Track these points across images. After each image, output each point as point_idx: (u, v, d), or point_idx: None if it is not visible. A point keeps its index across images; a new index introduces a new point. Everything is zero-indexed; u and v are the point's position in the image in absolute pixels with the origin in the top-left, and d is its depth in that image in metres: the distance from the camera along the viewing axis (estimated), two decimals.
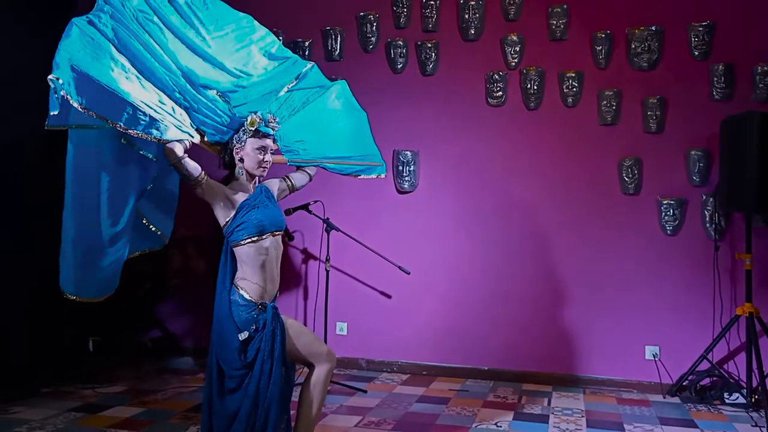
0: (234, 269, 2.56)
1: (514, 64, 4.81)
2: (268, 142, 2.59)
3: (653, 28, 4.57)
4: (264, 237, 2.54)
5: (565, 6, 4.70)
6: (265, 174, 2.64)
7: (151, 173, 2.77)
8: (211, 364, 2.56)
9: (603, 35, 4.64)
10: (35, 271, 4.25)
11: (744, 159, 3.92)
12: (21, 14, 4.26)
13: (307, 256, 5.10)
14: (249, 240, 2.51)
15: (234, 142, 2.59)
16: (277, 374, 2.51)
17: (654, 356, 4.45)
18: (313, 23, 5.17)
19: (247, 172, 2.60)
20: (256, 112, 2.58)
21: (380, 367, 4.92)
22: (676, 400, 4.26)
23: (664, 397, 4.30)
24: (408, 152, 4.93)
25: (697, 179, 4.48)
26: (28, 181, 4.25)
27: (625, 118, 4.62)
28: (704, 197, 4.46)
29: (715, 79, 4.46)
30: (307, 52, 5.18)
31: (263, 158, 2.58)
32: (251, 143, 2.56)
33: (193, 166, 2.49)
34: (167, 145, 2.43)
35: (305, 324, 5.06)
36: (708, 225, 4.44)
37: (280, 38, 5.20)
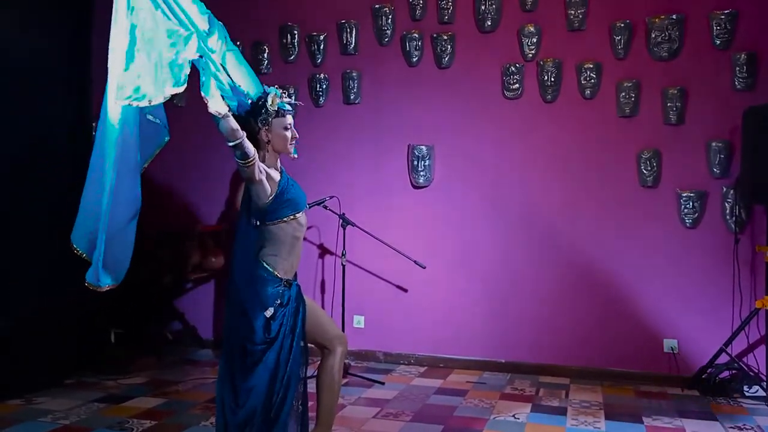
0: (260, 246, 2.57)
1: (531, 55, 4.77)
2: (290, 117, 2.59)
3: (674, 16, 4.50)
4: (299, 214, 2.59)
5: None
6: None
7: (158, 141, 2.82)
8: (229, 339, 2.55)
9: (622, 25, 4.58)
10: (58, 262, 4.33)
11: (767, 151, 3.86)
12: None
13: (324, 251, 5.12)
14: (291, 216, 2.56)
15: (258, 125, 2.54)
16: (297, 351, 2.53)
17: (672, 349, 4.43)
18: (328, 17, 5.17)
19: (274, 151, 2.59)
20: (271, 93, 2.55)
21: (398, 360, 4.95)
22: (695, 392, 4.23)
23: (683, 390, 4.27)
24: (423, 147, 4.92)
25: (718, 171, 4.42)
26: (51, 170, 4.31)
27: (644, 110, 4.56)
28: (725, 189, 4.40)
29: (738, 68, 4.38)
30: (322, 46, 5.18)
31: (290, 135, 2.58)
32: (278, 123, 2.55)
33: (248, 144, 2.41)
34: (228, 121, 2.34)
35: None
36: (728, 217, 4.39)
37: (296, 32, 5.26)
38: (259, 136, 2.55)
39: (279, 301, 2.50)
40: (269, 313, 2.48)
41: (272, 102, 2.53)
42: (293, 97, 2.72)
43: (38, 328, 4.15)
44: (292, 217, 2.56)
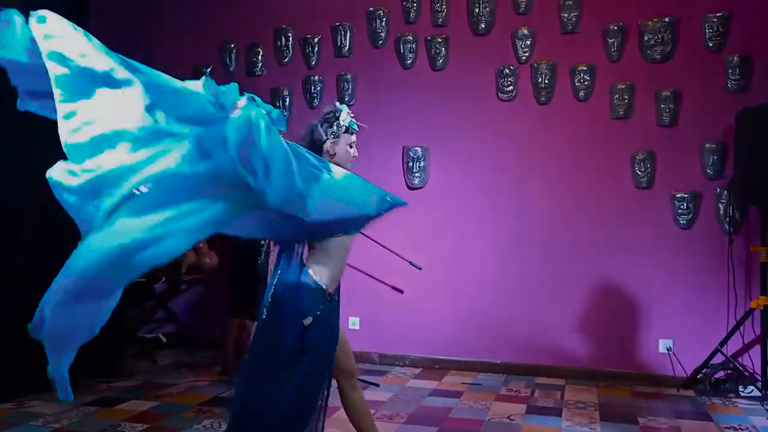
0: (308, 252, 2.55)
1: (525, 57, 4.79)
2: (354, 136, 2.63)
3: (667, 19, 4.53)
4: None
5: None
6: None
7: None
8: (256, 347, 2.48)
9: (615, 27, 4.61)
10: (49, 264, 4.30)
11: (760, 151, 3.89)
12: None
13: None
14: None
15: (327, 136, 2.56)
16: (325, 370, 2.51)
17: (668, 349, 4.43)
18: (322, 19, 5.18)
19: (334, 164, 2.54)
20: (344, 109, 2.58)
21: (393, 361, 4.93)
22: (691, 393, 4.23)
23: (678, 391, 4.27)
24: (418, 148, 4.92)
25: (712, 172, 4.44)
26: (45, 171, 4.28)
27: (638, 112, 4.59)
28: (718, 190, 4.42)
29: (730, 70, 4.41)
30: (316, 48, 5.19)
31: (354, 153, 2.62)
32: (345, 139, 2.58)
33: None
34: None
35: None
36: (722, 218, 4.41)
37: (290, 35, 5.26)
38: (325, 146, 2.56)
39: (318, 313, 2.44)
40: (308, 321, 2.41)
41: (345, 118, 2.56)
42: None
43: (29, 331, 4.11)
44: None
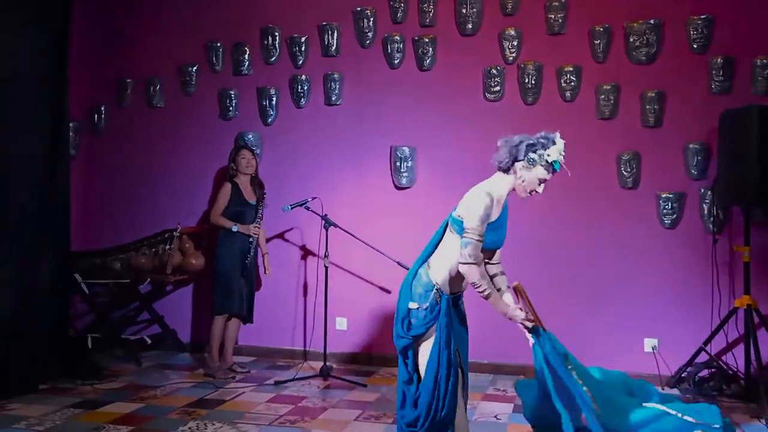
0: (438, 253, 2.60)
1: (512, 58, 4.80)
2: (550, 177, 2.53)
3: (652, 21, 4.56)
4: (489, 252, 2.59)
5: (563, 0, 4.70)
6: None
7: None
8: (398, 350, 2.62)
9: (601, 29, 4.64)
10: (32, 266, 4.25)
11: (743, 153, 3.93)
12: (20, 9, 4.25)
13: (306, 252, 5.09)
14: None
15: (524, 158, 2.47)
16: (455, 368, 2.51)
17: (653, 349, 4.46)
18: (309, 19, 5.15)
19: (512, 185, 2.54)
20: (559, 145, 2.49)
21: (380, 362, 4.92)
22: (675, 391, 4.27)
23: (663, 389, 4.29)
24: (406, 148, 4.92)
25: (696, 173, 4.48)
26: (28, 174, 4.24)
27: (623, 113, 4.62)
28: (702, 191, 4.46)
29: (714, 72, 4.46)
30: (303, 48, 5.17)
31: (537, 191, 2.53)
32: (540, 172, 2.49)
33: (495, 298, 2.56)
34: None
35: (305, 319, 5.07)
36: (706, 218, 4.45)
37: (277, 34, 5.24)
38: (516, 165, 2.49)
39: (426, 305, 2.52)
40: (413, 305, 2.52)
41: (554, 154, 2.46)
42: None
43: (11, 333, 4.06)
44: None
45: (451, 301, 2.60)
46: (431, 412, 2.51)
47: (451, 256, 2.54)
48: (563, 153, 2.47)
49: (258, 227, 4.56)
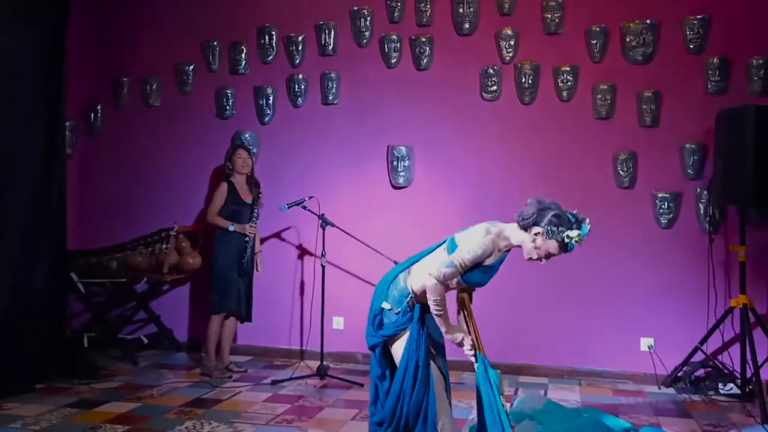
0: (423, 264, 2.67)
1: (508, 58, 4.81)
2: (559, 254, 2.52)
3: (648, 21, 4.57)
4: (465, 285, 2.64)
5: (560, 0, 4.71)
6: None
7: None
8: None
9: (598, 29, 4.65)
10: (28, 265, 4.23)
11: (739, 152, 3.93)
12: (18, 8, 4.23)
13: (303, 251, 5.09)
14: (461, 283, 2.59)
15: (543, 227, 2.46)
16: (423, 377, 2.55)
17: (649, 348, 4.47)
18: (306, 18, 5.15)
19: (522, 244, 2.55)
20: (585, 230, 2.48)
21: None
22: (671, 390, 4.28)
23: (659, 388, 4.32)
24: (403, 147, 4.92)
25: (692, 172, 4.49)
26: (24, 172, 4.22)
27: (619, 112, 4.63)
28: (699, 190, 4.48)
29: (710, 72, 4.47)
30: (300, 47, 5.16)
31: (542, 260, 2.53)
32: (553, 245, 2.48)
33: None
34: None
35: (301, 318, 5.07)
36: (702, 218, 4.46)
37: (274, 33, 5.23)
38: (534, 229, 2.49)
39: (398, 311, 2.61)
40: (386, 305, 2.63)
41: (575, 235, 2.44)
42: None
43: (7, 332, 4.04)
44: (462, 283, 2.59)
45: (424, 310, 2.65)
46: (395, 416, 2.58)
47: None
48: (583, 238, 2.46)
49: (254, 226, 4.56)
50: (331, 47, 5.12)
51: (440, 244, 2.70)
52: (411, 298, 2.63)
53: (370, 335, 2.70)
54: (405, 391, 2.56)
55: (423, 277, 2.59)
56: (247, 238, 4.53)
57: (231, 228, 4.48)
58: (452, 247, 2.59)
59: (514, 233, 2.56)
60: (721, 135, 4.15)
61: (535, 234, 2.49)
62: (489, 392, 2.50)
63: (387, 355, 2.72)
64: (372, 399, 2.77)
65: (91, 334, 4.93)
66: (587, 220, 2.50)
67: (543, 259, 2.52)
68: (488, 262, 2.55)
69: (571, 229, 2.45)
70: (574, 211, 2.51)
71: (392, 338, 2.65)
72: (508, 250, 2.63)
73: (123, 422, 3.55)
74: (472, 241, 2.50)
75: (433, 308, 2.52)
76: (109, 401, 3.92)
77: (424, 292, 2.60)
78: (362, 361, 4.94)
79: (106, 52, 5.49)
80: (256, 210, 4.59)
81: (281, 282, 5.09)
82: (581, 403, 3.99)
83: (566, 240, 2.45)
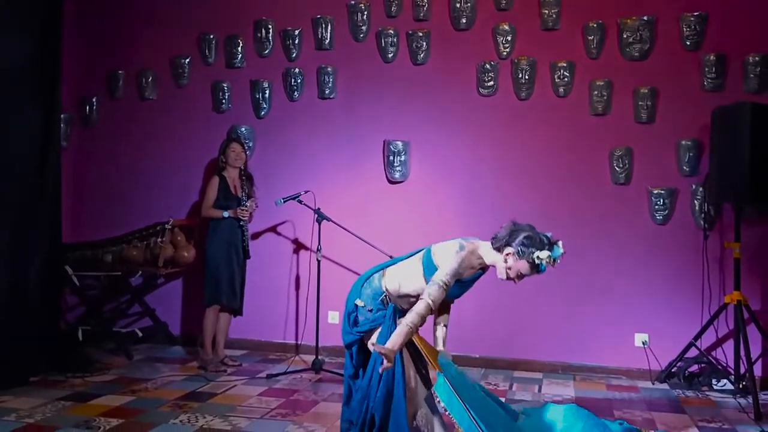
0: (400, 270, 2.71)
1: (505, 53, 4.80)
2: (531, 274, 2.54)
3: (645, 18, 4.57)
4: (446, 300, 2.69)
5: None
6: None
7: None
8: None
9: (595, 25, 4.65)
10: (22, 259, 4.22)
11: (735, 149, 3.94)
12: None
13: (299, 246, 5.08)
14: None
15: (516, 248, 2.49)
16: (389, 373, 2.55)
17: (643, 343, 4.49)
18: (303, 12, 5.13)
19: (494, 262, 2.58)
20: (557, 254, 2.50)
21: None
22: (665, 386, 4.30)
23: (653, 384, 4.34)
24: (399, 142, 4.91)
25: (687, 169, 4.50)
26: (19, 171, 4.21)
27: (616, 108, 4.63)
28: (694, 187, 4.49)
29: (707, 69, 4.48)
30: (297, 41, 5.15)
31: (515, 280, 2.56)
32: (524, 266, 2.50)
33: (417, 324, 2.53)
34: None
35: (297, 312, 5.07)
36: (698, 214, 4.47)
37: (270, 27, 5.21)
38: (506, 249, 2.51)
39: (370, 308, 2.67)
40: (360, 302, 2.69)
41: (546, 257, 2.46)
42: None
43: (2, 325, 4.03)
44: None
45: (397, 310, 2.68)
46: (362, 411, 2.61)
47: (407, 278, 2.67)
48: (556, 260, 2.49)
49: (244, 209, 4.54)
50: (327, 41, 5.11)
51: (415, 253, 2.73)
52: (385, 296, 2.69)
53: (347, 333, 2.74)
54: (372, 387, 2.59)
55: (399, 281, 2.68)
56: (241, 223, 4.53)
57: (225, 214, 4.48)
58: (427, 257, 2.63)
59: (487, 252, 2.60)
60: (716, 132, 4.16)
61: (507, 254, 2.53)
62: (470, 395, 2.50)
63: (364, 352, 2.75)
64: (345, 399, 2.81)
65: (86, 328, 4.92)
66: (560, 243, 2.53)
67: (515, 279, 2.56)
68: (463, 276, 2.59)
69: (542, 250, 2.48)
70: (549, 234, 2.55)
71: (368, 334, 2.70)
72: (483, 270, 2.67)
73: (117, 415, 3.54)
74: (447, 258, 2.54)
75: (412, 321, 2.45)
76: (103, 394, 3.91)
77: (398, 293, 2.67)
78: None
79: (102, 45, 5.47)
80: (247, 196, 4.58)
81: (277, 276, 5.08)
82: (575, 399, 4.01)
83: (537, 261, 2.48)
